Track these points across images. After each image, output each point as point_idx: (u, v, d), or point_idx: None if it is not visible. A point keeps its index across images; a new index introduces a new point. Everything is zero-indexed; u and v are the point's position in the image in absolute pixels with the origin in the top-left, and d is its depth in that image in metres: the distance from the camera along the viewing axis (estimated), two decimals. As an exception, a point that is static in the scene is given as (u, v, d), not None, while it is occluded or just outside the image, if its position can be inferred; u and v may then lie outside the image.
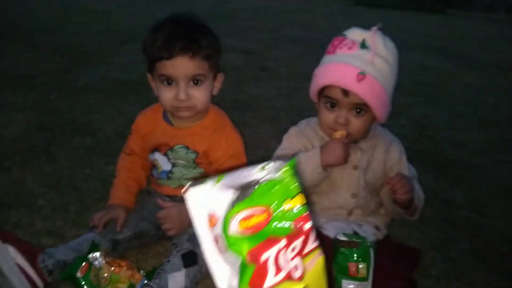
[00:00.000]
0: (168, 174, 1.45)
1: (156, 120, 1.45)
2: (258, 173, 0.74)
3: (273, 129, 2.47)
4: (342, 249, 1.14)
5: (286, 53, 4.42)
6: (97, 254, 1.21)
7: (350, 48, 1.25)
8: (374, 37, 1.25)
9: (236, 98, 2.91)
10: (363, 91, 1.23)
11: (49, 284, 1.21)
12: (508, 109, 3.24)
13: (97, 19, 5.15)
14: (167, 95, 1.33)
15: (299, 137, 1.40)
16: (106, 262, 1.21)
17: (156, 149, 1.46)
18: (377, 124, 1.41)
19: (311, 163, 1.28)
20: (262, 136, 2.36)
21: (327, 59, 1.30)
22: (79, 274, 1.18)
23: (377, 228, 1.35)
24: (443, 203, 1.86)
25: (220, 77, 1.41)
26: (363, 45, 1.24)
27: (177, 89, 1.31)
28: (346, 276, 1.13)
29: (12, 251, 1.18)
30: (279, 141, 2.28)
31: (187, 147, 1.41)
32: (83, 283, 1.19)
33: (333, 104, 1.28)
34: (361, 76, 1.22)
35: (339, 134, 1.30)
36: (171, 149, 1.42)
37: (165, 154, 1.43)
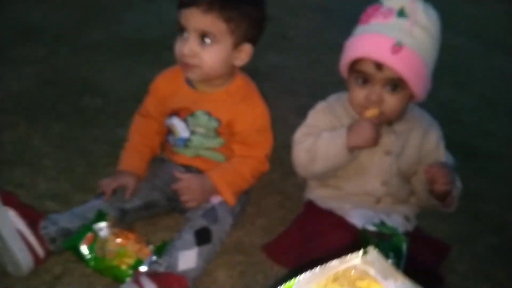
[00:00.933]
0: (186, 142, 1.35)
1: (178, 83, 1.34)
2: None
3: (292, 102, 2.35)
4: (373, 239, 1.05)
5: (307, 21, 4.23)
6: (104, 224, 1.14)
7: (385, 16, 1.13)
8: (413, 4, 1.12)
9: (256, 67, 2.76)
10: (399, 64, 1.10)
11: (51, 253, 1.13)
12: (538, 97, 3.09)
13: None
14: (177, 45, 1.24)
15: (327, 114, 1.29)
16: (113, 234, 1.13)
17: (174, 113, 1.35)
18: (415, 105, 1.29)
19: (336, 144, 1.18)
20: (280, 109, 2.23)
21: (359, 29, 1.18)
22: (83, 245, 1.11)
23: (407, 218, 1.26)
24: (469, 194, 1.72)
25: (248, 48, 1.26)
26: (400, 13, 1.11)
27: (186, 42, 1.21)
28: None
29: (13, 214, 1.09)
30: (298, 115, 2.19)
31: (209, 114, 1.30)
32: (87, 254, 1.11)
33: (365, 80, 1.16)
34: (397, 47, 1.09)
35: (371, 113, 1.17)
36: (192, 114, 1.31)
37: (185, 120, 1.33)
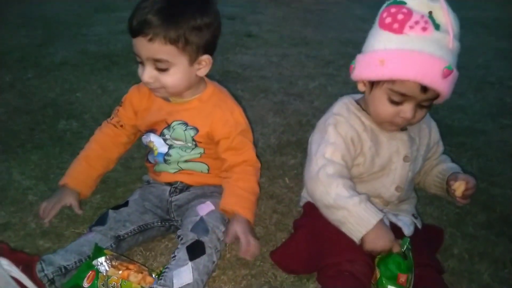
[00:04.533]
0: (165, 157, 1.35)
1: (152, 97, 1.34)
2: None
3: (267, 101, 2.36)
4: (396, 258, 1.08)
5: (269, 17, 4.24)
6: (103, 258, 1.11)
7: (424, 29, 1.04)
8: (445, 12, 1.05)
9: (225, 68, 2.77)
10: (446, 86, 1.06)
11: (51, 294, 1.10)
12: (500, 69, 3.17)
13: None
14: (139, 71, 1.24)
15: (345, 128, 1.18)
16: (113, 266, 1.11)
17: (150, 129, 1.35)
18: None
19: (356, 229, 1.09)
20: (257, 109, 2.25)
21: (396, 41, 1.06)
22: (85, 284, 1.09)
23: (414, 216, 1.27)
24: (452, 174, 1.80)
25: (207, 59, 1.25)
26: (437, 26, 1.05)
27: (143, 69, 1.21)
28: (394, 284, 1.07)
29: (5, 263, 1.06)
30: (276, 114, 2.21)
31: (186, 123, 1.30)
32: (90, 291, 1.09)
33: (402, 99, 1.09)
34: (448, 71, 1.04)
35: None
36: (168, 127, 1.31)
37: (161, 134, 1.33)
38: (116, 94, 2.21)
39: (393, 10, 1.08)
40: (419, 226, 1.26)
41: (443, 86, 1.06)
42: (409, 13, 1.05)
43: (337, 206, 1.10)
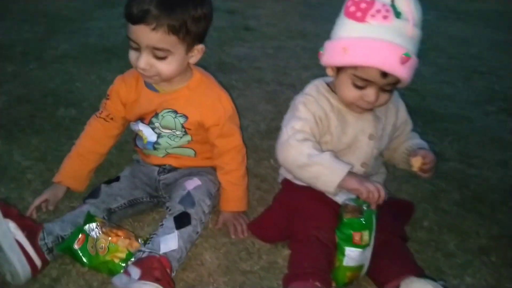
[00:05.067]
0: (154, 145, 1.42)
1: (139, 89, 1.38)
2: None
3: (260, 90, 2.44)
4: (346, 219, 1.16)
5: (268, 11, 4.31)
6: (94, 225, 1.22)
7: (385, 17, 1.09)
8: (407, 0, 1.11)
9: (221, 60, 2.85)
10: (405, 72, 1.12)
11: (48, 262, 1.20)
12: (492, 60, 3.23)
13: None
14: (132, 57, 1.26)
15: (315, 107, 1.26)
16: (103, 233, 1.21)
17: (139, 118, 1.41)
18: None
19: (333, 175, 1.16)
20: (249, 98, 2.34)
21: (358, 29, 1.13)
22: (76, 246, 1.19)
23: None
24: (432, 156, 1.88)
25: (200, 48, 1.29)
26: (397, 14, 1.10)
27: (140, 55, 1.23)
28: (350, 244, 1.15)
29: (13, 226, 1.15)
30: (268, 102, 2.29)
31: (175, 111, 1.36)
32: (81, 254, 1.19)
33: (364, 84, 1.17)
34: (406, 57, 1.09)
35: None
36: (157, 115, 1.36)
37: (150, 123, 1.39)
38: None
39: (361, 3, 1.12)
40: (385, 199, 1.33)
41: (402, 71, 1.12)
42: (372, 2, 1.11)
43: (311, 163, 1.17)
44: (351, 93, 1.20)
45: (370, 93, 1.17)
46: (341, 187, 1.16)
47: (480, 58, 3.25)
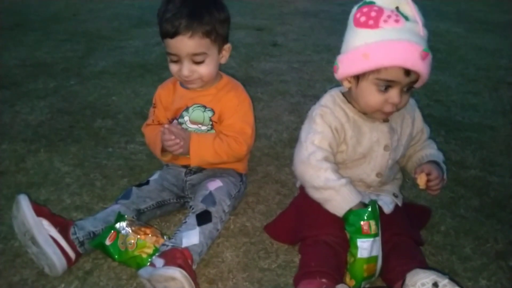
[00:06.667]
0: None
1: (175, 89, 1.56)
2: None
3: (284, 102, 2.52)
4: (353, 211, 1.21)
5: (296, 27, 4.42)
6: (124, 223, 1.32)
7: (397, 21, 1.16)
8: (411, 5, 1.18)
9: (248, 74, 2.97)
10: (426, 68, 1.17)
11: (81, 255, 1.31)
12: (522, 71, 3.21)
13: (108, 5, 5.20)
14: (173, 69, 1.45)
15: (331, 119, 1.30)
16: (133, 231, 1.31)
17: (174, 117, 1.54)
18: None
19: (340, 203, 1.23)
20: (274, 109, 2.42)
21: (373, 35, 1.17)
22: (108, 242, 1.29)
23: (394, 195, 1.37)
24: (453, 163, 1.90)
25: (228, 47, 1.48)
26: (406, 17, 1.17)
27: (181, 65, 1.41)
28: (360, 235, 1.19)
29: (46, 223, 1.27)
30: (291, 113, 2.37)
31: (204, 106, 1.50)
32: (111, 250, 1.29)
33: (388, 86, 1.20)
34: (425, 53, 1.15)
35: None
36: (187, 109, 1.51)
37: (180, 117, 1.52)
38: (147, 97, 2.45)
39: (365, 10, 1.19)
40: (399, 204, 1.37)
41: (423, 67, 1.16)
42: (380, 10, 1.17)
43: (326, 187, 1.24)
44: (375, 98, 1.23)
45: (394, 94, 1.21)
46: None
47: (509, 69, 3.23)
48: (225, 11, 1.45)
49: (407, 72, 1.16)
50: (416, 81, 1.22)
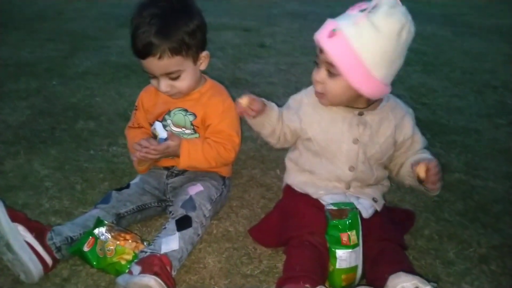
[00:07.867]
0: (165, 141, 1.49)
1: (158, 93, 1.52)
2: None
3: (271, 104, 2.50)
4: (333, 222, 1.20)
5: (284, 28, 4.41)
6: (103, 229, 1.29)
7: (353, 9, 1.22)
8: (381, 2, 1.17)
9: (235, 75, 2.94)
10: (332, 49, 1.19)
11: (58, 261, 1.28)
12: (506, 74, 3.22)
13: (94, 4, 5.13)
14: (153, 84, 1.45)
15: (297, 98, 1.46)
16: (112, 236, 1.28)
17: (156, 119, 1.53)
18: (391, 96, 1.38)
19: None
20: (260, 111, 2.40)
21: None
22: (86, 248, 1.26)
23: (374, 200, 1.36)
24: (438, 167, 1.89)
25: (205, 55, 1.44)
26: (364, 8, 1.18)
27: (158, 82, 1.40)
28: (340, 246, 1.19)
29: (21, 229, 1.24)
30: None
31: (185, 110, 1.48)
32: (90, 256, 1.26)
33: (316, 62, 1.28)
34: (332, 32, 1.18)
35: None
36: (169, 112, 1.49)
37: (163, 120, 1.50)
38: (132, 98, 2.40)
39: (361, 4, 1.23)
40: (379, 209, 1.35)
41: (330, 48, 1.19)
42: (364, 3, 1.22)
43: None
44: (313, 73, 1.30)
45: (317, 71, 1.27)
46: None
47: (494, 72, 3.25)
48: (196, 18, 1.38)
49: (321, 49, 1.22)
50: (333, 64, 1.20)
